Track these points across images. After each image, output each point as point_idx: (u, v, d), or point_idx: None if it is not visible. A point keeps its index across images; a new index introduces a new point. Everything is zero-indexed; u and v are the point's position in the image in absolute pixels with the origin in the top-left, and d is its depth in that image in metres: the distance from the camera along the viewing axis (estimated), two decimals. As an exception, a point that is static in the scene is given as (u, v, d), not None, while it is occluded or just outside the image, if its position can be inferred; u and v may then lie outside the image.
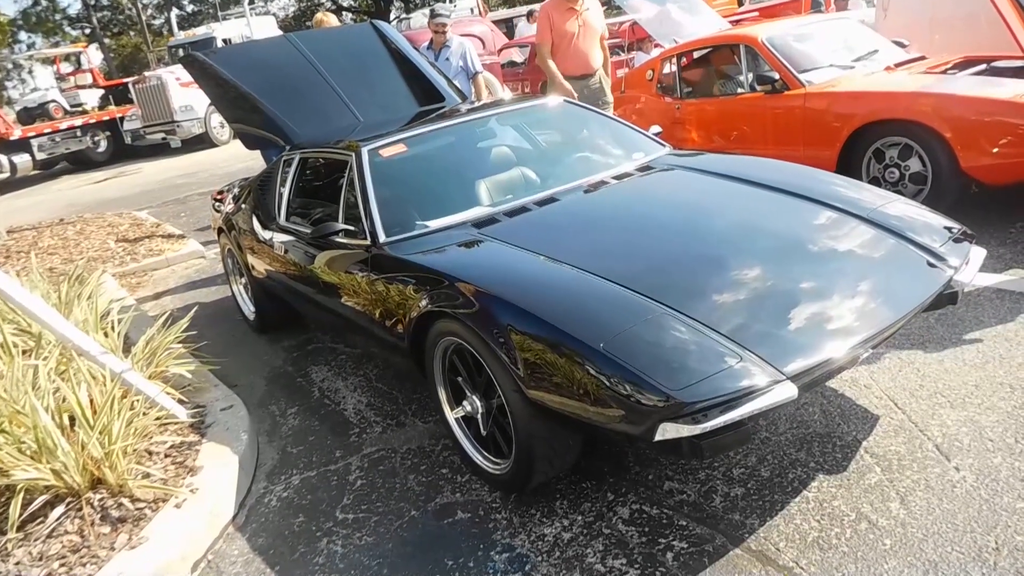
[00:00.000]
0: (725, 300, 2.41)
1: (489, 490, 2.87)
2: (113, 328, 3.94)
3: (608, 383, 2.15)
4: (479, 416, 2.80)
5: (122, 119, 18.38)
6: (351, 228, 3.38)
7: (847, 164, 4.70)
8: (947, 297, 2.61)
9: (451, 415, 2.95)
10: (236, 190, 5.23)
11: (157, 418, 3.25)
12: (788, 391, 2.10)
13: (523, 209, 3.31)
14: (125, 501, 2.84)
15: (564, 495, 2.75)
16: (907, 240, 2.69)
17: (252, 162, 6.21)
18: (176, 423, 3.38)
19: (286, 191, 4.23)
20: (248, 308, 5.05)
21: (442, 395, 3.00)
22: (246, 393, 4.03)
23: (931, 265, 2.59)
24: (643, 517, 2.56)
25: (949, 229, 2.80)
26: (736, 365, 2.13)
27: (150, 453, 3.17)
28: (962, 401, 2.83)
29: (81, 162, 18.42)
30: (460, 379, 2.84)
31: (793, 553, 2.28)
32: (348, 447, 3.39)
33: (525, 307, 2.44)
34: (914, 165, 4.44)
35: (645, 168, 3.64)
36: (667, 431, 2.07)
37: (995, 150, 4.06)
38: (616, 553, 2.42)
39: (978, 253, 2.71)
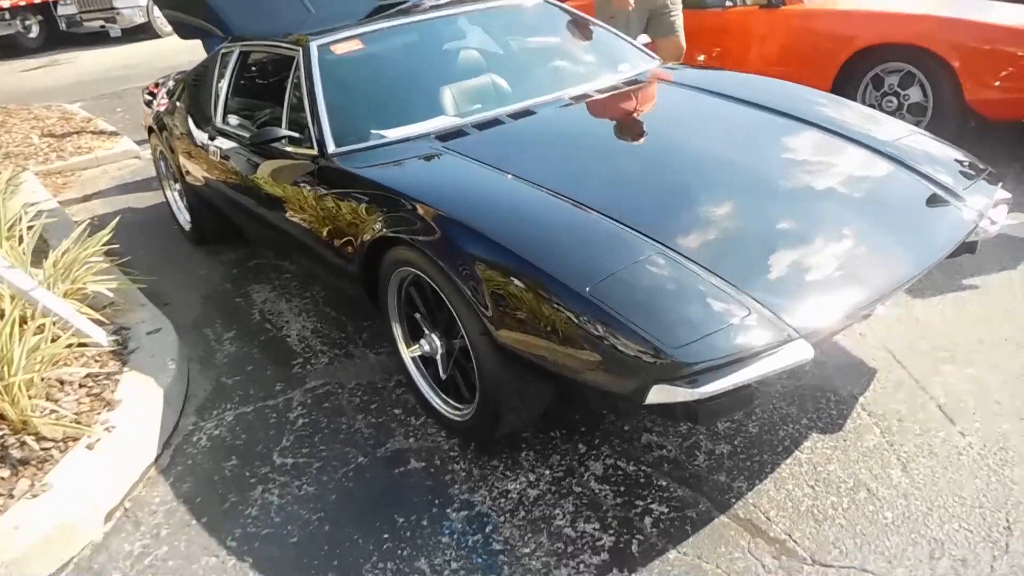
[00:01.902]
0: (731, 241, 2.09)
1: (447, 436, 2.58)
2: (21, 239, 3.46)
3: (593, 334, 1.84)
4: (438, 357, 2.48)
5: (55, 3, 16.95)
6: (296, 135, 2.95)
7: (840, 91, 4.35)
8: (965, 245, 2.33)
9: (407, 354, 2.63)
10: (171, 83, 4.67)
11: (70, 344, 2.86)
12: (802, 352, 1.81)
13: (495, 122, 2.91)
14: (29, 440, 2.48)
15: (531, 445, 2.48)
16: (930, 180, 2.39)
17: (198, 54, 5.61)
18: (94, 349, 2.99)
19: (224, 89, 3.73)
20: (183, 217, 4.59)
21: (397, 331, 2.66)
22: (177, 314, 3.64)
23: (956, 209, 2.29)
24: (618, 475, 2.30)
25: (974, 168, 2.50)
26: (743, 320, 1.82)
27: (62, 384, 2.78)
28: (966, 357, 2.60)
29: (10, 48, 17.03)
30: (418, 315, 2.50)
31: (785, 524, 2.05)
32: (290, 380, 3.05)
33: (496, 237, 2.09)
34: (914, 95, 4.13)
35: (632, 82, 3.25)
36: (660, 394, 1.77)
37: (1005, 84, 3.75)
38: (588, 516, 2.17)
39: (1003, 197, 2.43)
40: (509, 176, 2.40)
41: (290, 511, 2.35)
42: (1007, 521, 1.97)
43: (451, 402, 2.53)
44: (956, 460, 2.18)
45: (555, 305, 1.90)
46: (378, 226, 2.44)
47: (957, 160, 2.54)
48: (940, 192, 2.34)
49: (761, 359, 1.78)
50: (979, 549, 1.90)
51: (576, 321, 1.86)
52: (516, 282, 1.99)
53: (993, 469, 2.13)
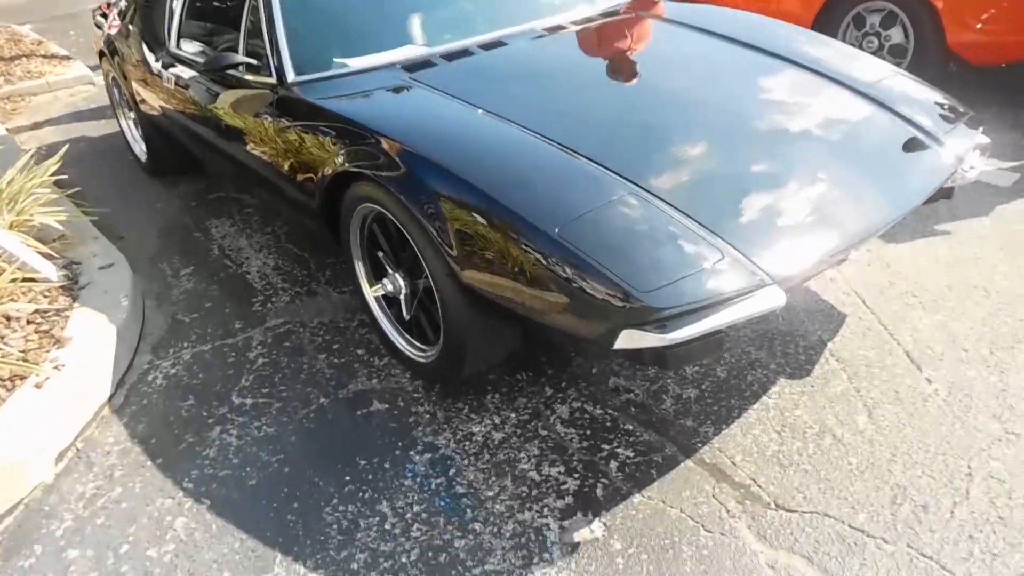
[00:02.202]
0: (706, 183, 2.02)
1: (411, 377, 2.52)
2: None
3: (561, 276, 1.77)
4: (402, 297, 2.40)
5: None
6: (254, 63, 2.79)
7: (820, 30, 4.24)
8: (942, 191, 2.29)
9: (370, 293, 2.54)
10: (123, 3, 4.41)
11: (16, 278, 2.72)
12: (775, 298, 1.76)
13: (465, 52, 2.77)
14: (-28, 377, 2.37)
15: (496, 388, 2.43)
16: (910, 122, 2.33)
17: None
18: (42, 284, 2.86)
19: (178, 10, 3.52)
20: (139, 148, 4.39)
21: (360, 270, 2.57)
22: (133, 248, 3.51)
23: (935, 154, 2.24)
24: (585, 418, 2.27)
25: (954, 111, 2.44)
26: (716, 264, 1.77)
27: (8, 320, 2.66)
28: (934, 304, 2.59)
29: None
30: (381, 254, 2.42)
31: (750, 468, 2.04)
32: (250, 318, 2.96)
33: (462, 174, 1.99)
34: (896, 36, 4.04)
35: (609, 14, 3.11)
36: (628, 339, 1.72)
37: (987, 26, 3.68)
38: (553, 459, 2.14)
39: (983, 143, 2.37)
40: (479, 111, 2.29)
41: (249, 453, 2.29)
42: (969, 468, 1.98)
43: (415, 343, 2.47)
44: (922, 407, 2.18)
45: (523, 246, 1.83)
46: (340, 160, 2.32)
47: (937, 102, 2.48)
48: (919, 135, 2.28)
49: (733, 305, 1.73)
50: (940, 495, 1.91)
51: (544, 263, 1.79)
52: (482, 221, 1.91)
53: (958, 416, 2.14)
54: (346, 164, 2.28)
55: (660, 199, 1.92)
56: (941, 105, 2.48)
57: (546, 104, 2.38)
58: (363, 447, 2.26)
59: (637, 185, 1.96)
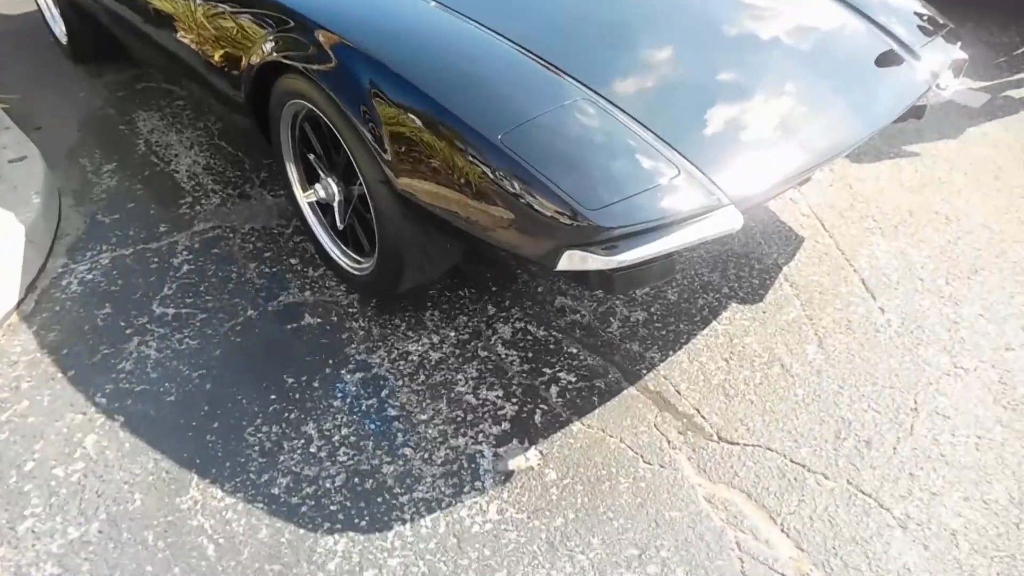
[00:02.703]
0: (666, 91, 1.85)
1: (346, 291, 2.37)
2: None
3: (503, 189, 1.61)
4: (335, 204, 2.22)
5: None
6: (172, -69, 2.48)
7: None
8: (913, 110, 2.16)
9: (302, 199, 2.36)
10: None
11: (-93, 168, 2.46)
12: (731, 220, 1.64)
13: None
14: None
15: (436, 304, 2.30)
16: (885, 31, 2.16)
17: None
18: (-60, 175, 2.60)
19: None
20: (59, 29, 4.00)
21: (292, 173, 2.38)
22: (50, 141, 3.22)
23: (909, 68, 2.09)
24: (527, 339, 2.16)
25: (933, 22, 2.28)
26: (671, 180, 1.62)
27: (-101, 214, 2.42)
28: (894, 229, 2.50)
29: None
30: (313, 157, 2.22)
31: (695, 398, 1.97)
32: (176, 221, 2.75)
33: (400, 71, 1.79)
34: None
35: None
36: (573, 260, 1.59)
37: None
38: (492, 383, 2.04)
39: (960, 58, 2.23)
40: (432, 3, 2.05)
41: (168, 367, 2.15)
42: (915, 403, 1.93)
43: (351, 254, 2.31)
44: (873, 337, 2.12)
45: (462, 153, 1.66)
46: (267, 48, 2.09)
47: (916, 12, 2.31)
48: (895, 47, 2.12)
49: (686, 226, 1.60)
50: (884, 430, 1.86)
51: (484, 172, 1.63)
52: (419, 124, 1.73)
53: (908, 348, 2.08)
54: (274, 53, 2.05)
55: (617, 107, 1.75)
56: (920, 15, 2.31)
57: (500, -2, 2.16)
58: (291, 364, 2.13)
59: (593, 91, 1.78)
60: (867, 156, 2.86)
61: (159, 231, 2.70)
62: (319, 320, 2.27)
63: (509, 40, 1.89)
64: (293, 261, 2.51)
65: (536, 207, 1.59)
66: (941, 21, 2.30)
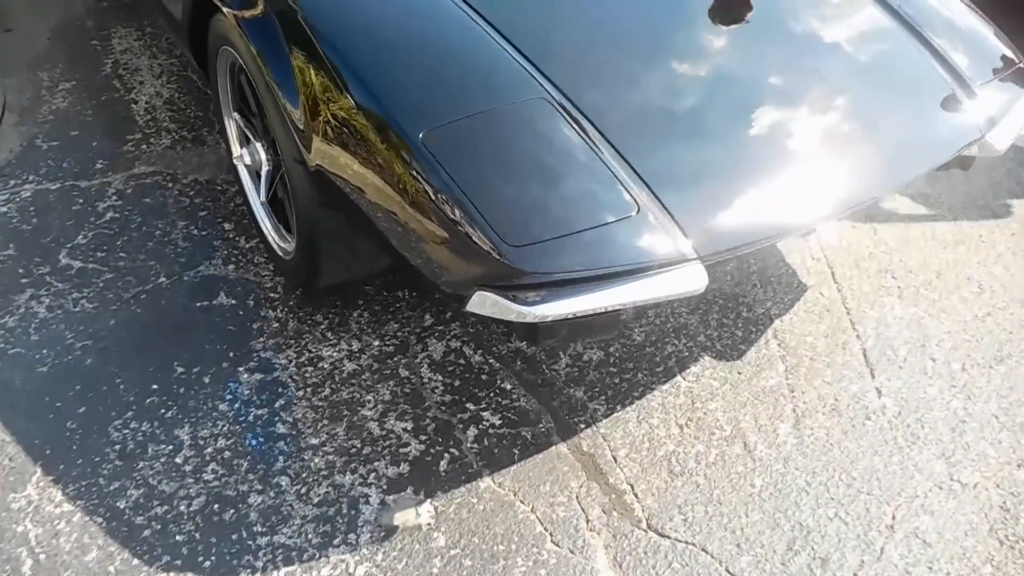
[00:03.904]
0: (652, 108, 1.51)
1: (273, 272, 2.09)
2: None
3: (421, 195, 1.30)
4: (263, 174, 1.92)
5: None
6: None
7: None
8: (958, 159, 1.78)
9: (236, 156, 2.06)
10: None
11: None
12: (693, 280, 1.31)
13: None
14: None
15: (369, 304, 2.01)
16: (939, 58, 1.77)
17: None
18: None
19: None
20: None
21: (229, 127, 2.07)
22: (14, 45, 2.96)
23: (960, 108, 1.71)
24: (459, 364, 1.86)
25: (1004, 58, 1.88)
26: (625, 220, 1.30)
27: None
28: (914, 291, 2.14)
29: None
30: (238, 116, 1.92)
31: (632, 469, 1.66)
32: (116, 159, 2.47)
33: (326, 31, 1.47)
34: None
35: None
36: (484, 303, 1.28)
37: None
38: (404, 411, 1.75)
39: (1026, 106, 1.84)
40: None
41: (53, 330, 1.89)
42: (893, 518, 1.60)
43: (282, 231, 2.02)
44: (860, 425, 1.78)
45: (383, 142, 1.34)
46: (204, -19, 1.77)
47: (985, 41, 1.92)
48: (947, 78, 1.74)
49: (633, 280, 1.28)
50: (848, 549, 1.55)
51: (406, 172, 1.31)
52: (337, 99, 1.41)
53: (900, 446, 1.74)
54: (206, -11, 1.74)
55: (584, 115, 1.42)
56: (989, 45, 1.91)
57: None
58: (188, 349, 1.86)
59: (561, 91, 1.44)
60: (901, 195, 2.47)
61: (94, 168, 2.43)
62: (234, 302, 1.99)
63: (484, 19, 1.55)
64: (227, 227, 2.23)
65: (447, 229, 1.27)
66: (1014, 58, 1.90)
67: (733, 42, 1.68)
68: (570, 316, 1.26)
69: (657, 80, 1.55)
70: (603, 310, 1.27)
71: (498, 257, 1.22)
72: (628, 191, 1.33)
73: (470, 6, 1.56)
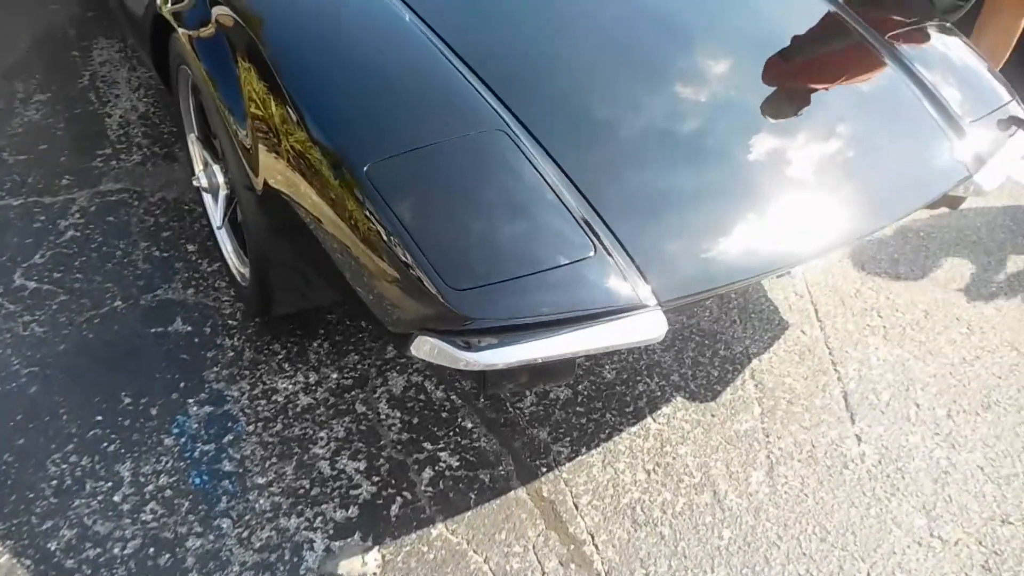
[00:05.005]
0: (619, 141, 1.43)
1: (233, 298, 2.01)
2: None
3: (367, 230, 1.23)
4: (220, 197, 1.86)
5: None
6: None
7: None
8: (946, 199, 1.71)
9: (194, 178, 1.99)
10: None
11: None
12: (651, 329, 1.23)
13: None
14: None
15: (330, 333, 1.93)
16: (930, 94, 1.70)
17: None
18: None
19: None
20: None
21: (192, 145, 2.01)
22: (-11, 54, 2.90)
23: (949, 146, 1.63)
24: (419, 400, 1.78)
25: (994, 93, 1.80)
26: (580, 263, 1.22)
27: None
28: (901, 332, 2.05)
29: None
30: (193, 137, 1.85)
31: (594, 518, 1.58)
32: (83, 174, 2.40)
33: (274, 54, 1.40)
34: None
35: None
36: (425, 349, 1.20)
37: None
38: (358, 450, 1.67)
39: (1018, 145, 1.76)
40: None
41: (0, 355, 1.81)
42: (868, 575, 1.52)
43: (242, 255, 1.94)
44: (838, 474, 1.70)
45: (331, 174, 1.27)
46: (162, -2, 1.71)
47: (976, 75, 1.85)
48: (936, 115, 1.66)
49: (586, 327, 1.20)
50: (820, 609, 1.46)
51: (354, 205, 1.24)
52: (286, 125, 1.34)
53: (878, 498, 1.65)
54: (162, 6, 1.67)
55: (543, 148, 1.34)
56: (980, 80, 1.84)
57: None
58: (137, 379, 1.79)
59: (520, 121, 1.37)
60: (892, 232, 2.39)
61: (60, 184, 2.36)
62: (190, 328, 1.92)
63: (447, 44, 1.47)
64: (190, 248, 2.16)
65: (394, 267, 1.20)
66: (1005, 93, 1.83)
67: (708, 75, 1.61)
68: (517, 365, 1.18)
69: (623, 112, 1.47)
70: (555, 358, 1.20)
71: (441, 300, 1.15)
72: (585, 230, 1.25)
73: (433, 31, 1.49)
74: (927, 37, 1.91)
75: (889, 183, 1.55)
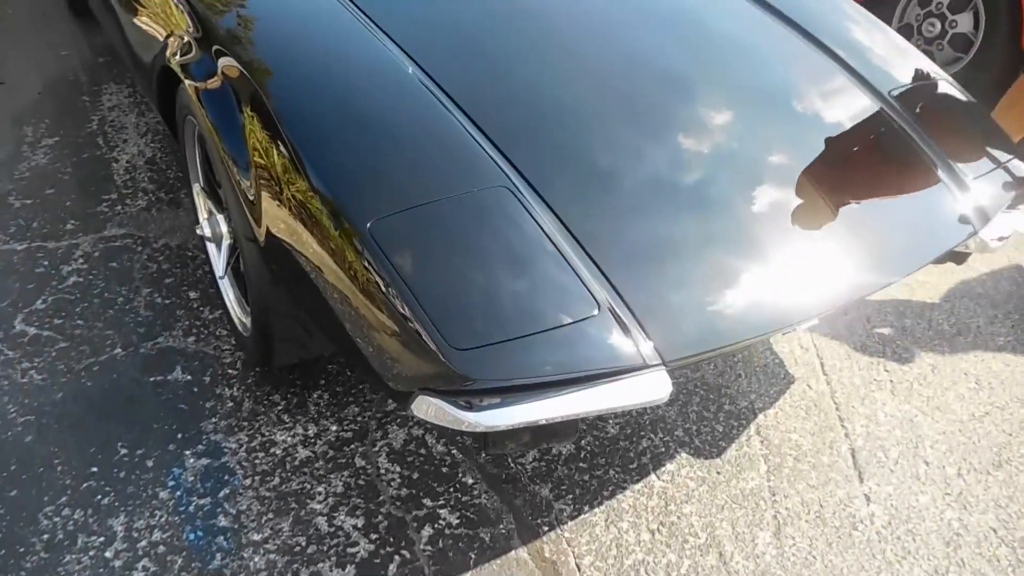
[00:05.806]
0: (625, 197, 1.42)
1: (234, 347, 2.00)
2: None
3: (369, 287, 1.22)
4: (224, 247, 1.85)
5: None
6: None
7: (879, 2, 3.49)
8: (951, 254, 1.69)
9: (197, 227, 1.99)
10: None
11: None
12: (656, 389, 1.21)
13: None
14: None
15: (331, 384, 1.91)
16: (933, 153, 1.70)
17: None
18: None
19: None
20: (56, -20, 3.74)
21: (197, 195, 2.01)
22: (4, 98, 2.94)
23: (953, 203, 1.62)
24: (420, 454, 1.75)
25: (998, 149, 1.80)
26: (584, 322, 1.20)
27: None
28: (908, 388, 2.03)
29: None
30: (197, 187, 1.86)
31: (597, 579, 1.54)
32: (88, 219, 2.41)
33: (279, 109, 1.40)
34: (963, 24, 3.30)
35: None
36: (426, 408, 1.18)
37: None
38: (356, 506, 1.64)
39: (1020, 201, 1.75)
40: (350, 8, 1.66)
41: (-4, 404, 1.80)
42: (880, 646, 1.47)
43: (244, 304, 1.93)
44: (847, 535, 1.65)
45: (332, 227, 1.26)
46: (173, 49, 1.73)
47: (980, 130, 1.85)
48: (941, 171, 1.66)
49: (589, 388, 1.18)
50: None
51: (359, 261, 1.23)
52: (291, 178, 1.34)
53: (888, 561, 1.61)
54: (170, 58, 1.69)
55: (547, 205, 1.34)
56: (984, 136, 1.84)
57: (441, 28, 1.74)
58: (134, 429, 1.76)
59: (524, 177, 1.37)
60: (896, 287, 2.37)
61: (64, 228, 2.37)
62: (189, 378, 1.90)
63: (451, 99, 1.48)
64: (192, 295, 2.15)
65: (397, 323, 1.18)
66: (1010, 150, 1.83)
67: (711, 127, 1.61)
68: (519, 426, 1.16)
69: (630, 167, 1.47)
70: (558, 419, 1.17)
71: (443, 360, 1.13)
72: (589, 289, 1.24)
73: (436, 84, 1.50)
74: (931, 93, 1.92)
75: (893, 241, 1.54)
